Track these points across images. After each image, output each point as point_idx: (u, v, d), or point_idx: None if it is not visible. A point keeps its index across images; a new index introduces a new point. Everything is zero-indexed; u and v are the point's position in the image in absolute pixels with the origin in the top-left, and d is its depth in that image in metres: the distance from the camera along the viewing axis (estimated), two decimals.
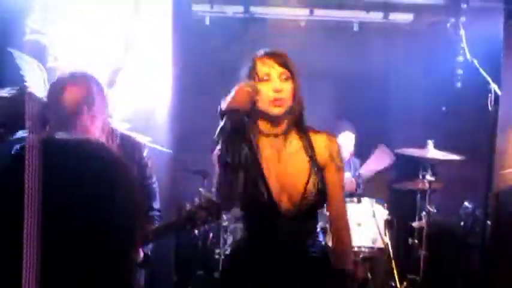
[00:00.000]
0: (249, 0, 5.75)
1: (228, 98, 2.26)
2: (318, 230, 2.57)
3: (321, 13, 5.92)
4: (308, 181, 2.45)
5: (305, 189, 2.44)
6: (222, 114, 2.21)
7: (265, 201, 2.42)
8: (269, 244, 2.45)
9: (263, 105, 2.42)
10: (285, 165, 2.48)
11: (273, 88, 2.41)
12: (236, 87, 2.30)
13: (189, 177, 5.47)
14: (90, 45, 3.99)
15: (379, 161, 5.27)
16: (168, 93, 4.40)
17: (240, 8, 5.78)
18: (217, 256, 4.99)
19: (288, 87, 2.43)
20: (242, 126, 2.25)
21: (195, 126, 5.50)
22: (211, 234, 5.35)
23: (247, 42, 5.52)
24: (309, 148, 2.50)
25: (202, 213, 2.79)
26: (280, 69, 2.43)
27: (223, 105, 2.24)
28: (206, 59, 5.60)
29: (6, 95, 2.80)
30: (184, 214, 2.80)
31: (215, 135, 2.21)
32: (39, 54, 3.88)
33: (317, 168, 2.47)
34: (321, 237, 2.56)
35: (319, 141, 2.53)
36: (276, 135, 2.49)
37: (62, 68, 3.87)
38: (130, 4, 4.28)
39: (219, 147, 2.21)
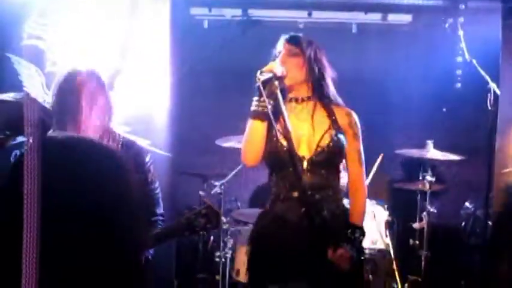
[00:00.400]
0: (248, 3, 5.74)
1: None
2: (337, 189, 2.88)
3: (319, 15, 5.89)
4: (326, 132, 2.82)
5: (321, 137, 2.81)
6: (260, 72, 2.71)
7: (284, 150, 2.77)
8: (291, 197, 2.79)
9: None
10: (305, 121, 2.86)
11: (280, 62, 2.83)
12: None
13: (189, 181, 5.47)
14: (88, 49, 3.99)
15: None
16: (167, 96, 4.39)
17: (238, 11, 5.77)
18: (217, 259, 4.97)
19: (295, 61, 2.86)
20: (271, 85, 2.72)
21: (194, 129, 5.52)
22: (212, 238, 5.34)
23: (246, 45, 5.52)
24: (330, 113, 2.89)
25: (201, 220, 2.80)
26: (289, 47, 2.89)
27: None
28: (205, 62, 5.59)
29: (10, 99, 2.81)
30: (183, 221, 2.81)
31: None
32: (37, 59, 3.88)
33: (336, 126, 2.85)
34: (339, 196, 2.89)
35: (340, 111, 2.93)
36: (297, 100, 2.90)
37: (60, 73, 3.87)
38: (127, 7, 4.27)
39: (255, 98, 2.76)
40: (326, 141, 2.81)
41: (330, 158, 2.82)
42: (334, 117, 2.88)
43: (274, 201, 2.86)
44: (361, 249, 2.89)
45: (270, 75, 2.72)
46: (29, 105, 2.39)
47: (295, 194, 2.78)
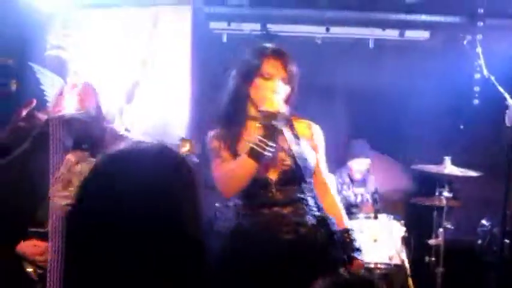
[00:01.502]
0: (266, 18, 5.79)
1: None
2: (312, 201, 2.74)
3: (337, 30, 5.94)
4: (289, 150, 2.68)
5: (286, 157, 2.67)
6: (270, 115, 2.54)
7: (254, 178, 2.62)
8: (264, 219, 2.66)
9: (259, 101, 2.65)
10: None
11: (273, 89, 2.62)
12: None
13: (206, 193, 5.47)
14: (110, 60, 4.04)
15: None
16: (186, 108, 4.43)
17: (257, 26, 5.82)
18: None
19: (285, 90, 2.66)
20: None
21: None
22: None
23: None
24: (291, 128, 2.75)
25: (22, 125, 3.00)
26: (283, 73, 2.67)
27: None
28: (223, 75, 5.62)
29: (76, 116, 2.90)
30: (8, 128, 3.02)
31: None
32: (60, 69, 3.93)
33: (298, 141, 2.72)
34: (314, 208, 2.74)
35: (300, 125, 2.82)
36: (257, 121, 2.67)
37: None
38: (148, 20, 4.33)
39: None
40: (287, 159, 2.69)
41: (294, 173, 2.70)
42: (295, 133, 2.77)
43: (243, 218, 2.74)
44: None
45: (283, 119, 2.58)
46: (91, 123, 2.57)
47: (265, 211, 2.67)
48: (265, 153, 2.54)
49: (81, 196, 1.38)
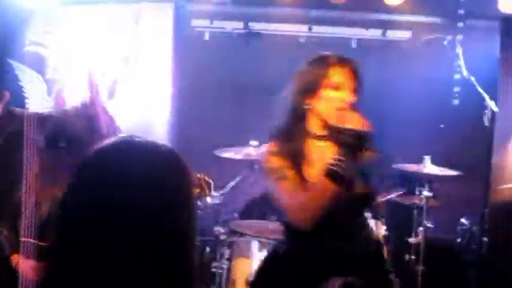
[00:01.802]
0: (249, 16, 5.80)
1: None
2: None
3: (319, 30, 5.95)
4: (358, 175, 2.41)
5: (356, 183, 2.40)
6: (361, 133, 2.31)
7: None
8: (322, 248, 2.41)
9: (327, 111, 2.44)
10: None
11: (343, 99, 2.43)
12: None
13: None
14: (91, 57, 4.03)
15: None
16: (167, 106, 4.43)
17: (239, 24, 5.82)
18: (214, 269, 4.96)
19: (354, 100, 2.48)
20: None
21: (193, 140, 5.53)
22: (208, 248, 5.34)
23: (247, 58, 5.56)
24: None
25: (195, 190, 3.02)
26: (354, 82, 2.48)
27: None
28: (205, 73, 5.62)
29: (55, 114, 2.88)
30: None
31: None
32: (39, 65, 3.92)
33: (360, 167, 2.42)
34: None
35: None
36: (321, 138, 2.50)
37: (61, 80, 3.92)
38: (130, 18, 4.32)
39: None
40: (361, 184, 2.43)
41: (365, 202, 2.55)
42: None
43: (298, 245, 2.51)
44: None
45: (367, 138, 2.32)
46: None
47: (325, 240, 2.41)
48: (345, 175, 2.26)
49: (75, 188, 1.38)
